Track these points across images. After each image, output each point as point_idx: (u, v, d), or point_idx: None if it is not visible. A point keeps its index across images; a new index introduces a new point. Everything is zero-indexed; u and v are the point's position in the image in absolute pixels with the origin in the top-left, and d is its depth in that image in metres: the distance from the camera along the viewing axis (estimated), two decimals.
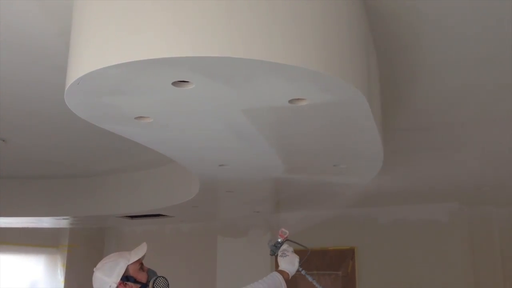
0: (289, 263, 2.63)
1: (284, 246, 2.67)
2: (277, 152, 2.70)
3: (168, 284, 2.41)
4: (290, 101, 1.82)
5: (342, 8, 1.72)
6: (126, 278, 2.35)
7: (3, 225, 6.00)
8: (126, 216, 5.69)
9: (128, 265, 2.36)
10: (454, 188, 5.35)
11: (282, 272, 2.58)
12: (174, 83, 1.61)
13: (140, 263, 2.41)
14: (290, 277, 2.59)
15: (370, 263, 6.26)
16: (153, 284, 2.37)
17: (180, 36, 1.41)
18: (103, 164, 4.73)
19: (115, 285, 2.33)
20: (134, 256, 2.40)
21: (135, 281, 2.37)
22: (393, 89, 2.84)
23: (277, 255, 2.65)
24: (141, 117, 1.95)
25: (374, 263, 6.25)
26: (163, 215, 5.54)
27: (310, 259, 7.44)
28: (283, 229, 2.71)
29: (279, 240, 2.68)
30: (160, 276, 2.41)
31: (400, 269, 6.11)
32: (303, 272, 2.67)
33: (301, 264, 2.66)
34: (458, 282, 5.83)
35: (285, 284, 2.51)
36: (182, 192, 4.39)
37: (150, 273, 2.43)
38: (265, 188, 3.89)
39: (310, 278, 2.67)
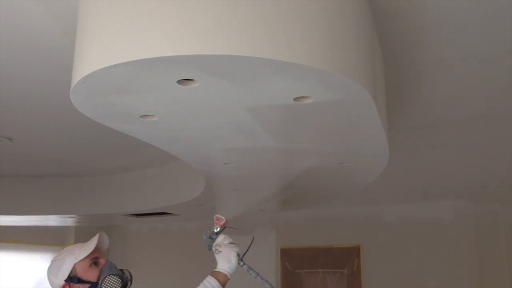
0: (224, 259, 2.18)
1: (219, 239, 2.20)
2: (282, 150, 2.70)
3: (122, 282, 2.10)
4: (295, 99, 1.82)
5: (347, 6, 1.71)
6: (70, 279, 2.08)
7: (9, 223, 6.02)
8: (132, 215, 5.71)
9: (75, 263, 2.09)
10: (460, 186, 5.33)
11: (218, 275, 2.15)
12: (179, 82, 1.61)
13: (91, 258, 2.12)
14: (229, 277, 2.17)
15: (376, 261, 6.26)
16: (101, 284, 2.07)
17: (185, 35, 1.41)
18: (109, 163, 4.75)
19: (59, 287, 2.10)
20: (83, 252, 2.12)
21: (80, 280, 2.08)
22: (398, 86, 2.83)
23: (213, 251, 2.21)
24: (146, 115, 1.95)
25: (380, 261, 6.24)
26: (169, 213, 5.55)
27: (316, 257, 7.37)
28: (217, 215, 2.22)
29: (215, 230, 2.20)
30: (109, 275, 2.09)
31: (405, 267, 6.11)
32: (244, 267, 2.19)
33: (243, 256, 2.19)
34: (463, 280, 5.82)
35: None
36: (187, 191, 4.40)
37: (105, 269, 2.12)
38: (270, 186, 3.89)
39: (253, 274, 2.20)
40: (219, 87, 1.68)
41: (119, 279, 2.09)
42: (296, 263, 6.64)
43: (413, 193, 5.74)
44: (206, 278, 2.13)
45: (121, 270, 2.19)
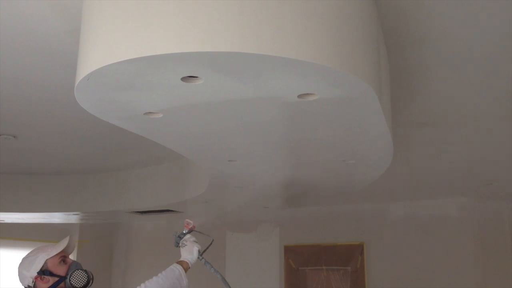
0: (188, 252, 2.66)
1: (187, 237, 2.71)
2: (286, 147, 2.70)
3: (88, 277, 2.44)
4: (300, 96, 1.81)
5: (352, 3, 1.71)
6: (42, 272, 2.40)
7: (13, 221, 6.05)
8: (136, 212, 5.72)
9: (47, 259, 2.43)
10: (465, 183, 5.32)
11: (181, 263, 2.61)
12: (183, 79, 1.61)
13: (61, 256, 2.47)
14: (190, 266, 2.62)
15: (379, 258, 6.25)
16: (70, 277, 2.42)
17: (189, 31, 1.41)
18: (113, 160, 4.75)
19: (31, 279, 2.41)
20: (54, 250, 2.46)
21: (51, 274, 2.41)
22: (403, 84, 2.82)
23: (179, 246, 2.71)
24: (150, 112, 1.95)
25: (383, 258, 6.24)
26: (173, 211, 5.56)
27: (319, 254, 7.40)
28: (187, 220, 2.74)
29: (184, 231, 2.72)
30: (78, 270, 2.44)
31: (409, 264, 6.10)
32: (203, 260, 2.68)
33: (202, 253, 2.69)
34: (467, 278, 5.81)
35: (184, 273, 2.55)
36: (191, 188, 4.40)
37: (73, 266, 2.47)
38: (274, 184, 3.89)
39: (209, 267, 2.67)
40: (223, 84, 1.68)
41: (85, 274, 2.44)
42: (300, 261, 6.64)
43: (418, 190, 5.73)
44: (172, 265, 2.56)
45: (85, 270, 2.50)
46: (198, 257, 2.65)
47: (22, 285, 2.46)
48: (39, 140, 3.98)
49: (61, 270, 2.43)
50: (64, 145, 4.16)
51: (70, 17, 2.05)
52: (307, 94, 1.80)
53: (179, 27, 1.41)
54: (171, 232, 2.74)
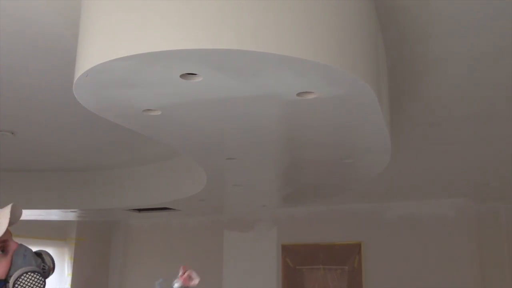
0: None
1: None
2: (285, 146, 2.70)
3: (43, 280, 1.47)
4: (298, 94, 1.81)
5: (352, 2, 1.71)
6: None
7: None
8: (134, 209, 5.71)
9: None
10: (462, 183, 5.33)
11: None
12: (182, 76, 1.61)
13: None
14: None
15: (377, 258, 6.26)
16: (14, 284, 1.44)
17: (189, 29, 1.41)
18: (111, 158, 4.75)
19: None
20: None
21: None
22: (401, 83, 2.82)
23: None
24: (149, 109, 1.95)
25: (381, 258, 6.25)
26: (170, 209, 5.56)
27: (317, 253, 7.38)
28: (193, 274, 2.22)
29: (177, 284, 2.19)
30: (27, 272, 1.45)
31: (406, 264, 6.11)
32: None
33: None
34: (464, 278, 5.82)
35: None
36: (189, 186, 4.40)
37: (18, 260, 1.48)
38: (272, 182, 3.89)
39: None
40: (222, 82, 1.68)
41: (40, 278, 1.46)
42: (297, 260, 6.65)
43: (415, 190, 5.74)
44: None
45: (40, 254, 1.59)
46: None
47: None
48: (37, 137, 3.97)
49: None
50: (62, 142, 4.16)
51: (70, 14, 2.05)
52: (306, 92, 1.80)
53: (178, 24, 1.41)
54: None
